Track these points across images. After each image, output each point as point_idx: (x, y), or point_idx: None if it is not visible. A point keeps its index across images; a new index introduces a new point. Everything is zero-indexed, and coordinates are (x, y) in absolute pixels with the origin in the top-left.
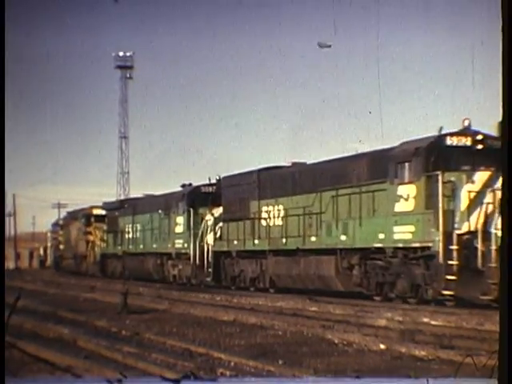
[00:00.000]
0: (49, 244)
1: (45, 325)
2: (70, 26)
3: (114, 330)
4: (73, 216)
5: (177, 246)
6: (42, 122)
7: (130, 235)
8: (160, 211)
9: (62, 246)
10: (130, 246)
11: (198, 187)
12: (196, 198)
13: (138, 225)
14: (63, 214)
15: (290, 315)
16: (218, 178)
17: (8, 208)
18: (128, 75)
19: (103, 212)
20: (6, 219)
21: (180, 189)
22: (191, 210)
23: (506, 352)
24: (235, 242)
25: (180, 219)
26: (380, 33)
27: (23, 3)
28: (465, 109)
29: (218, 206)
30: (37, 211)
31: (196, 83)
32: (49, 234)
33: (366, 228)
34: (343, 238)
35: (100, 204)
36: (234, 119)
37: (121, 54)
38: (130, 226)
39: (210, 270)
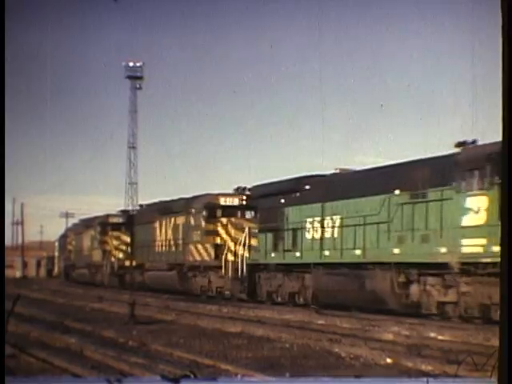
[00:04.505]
0: (55, 253)
1: None
2: (73, 29)
3: None
4: (161, 209)
5: (467, 249)
6: (50, 130)
7: (318, 235)
8: (399, 192)
9: (121, 255)
10: (326, 253)
11: None
12: None
13: (337, 217)
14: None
15: None
16: None
17: (16, 217)
18: (138, 85)
19: (235, 201)
20: (14, 228)
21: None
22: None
23: (505, 352)
24: None
25: (477, 201)
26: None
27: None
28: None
29: None
30: (44, 220)
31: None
32: (57, 243)
33: None
34: None
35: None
36: (244, 128)
37: (131, 64)
38: (317, 219)
39: None
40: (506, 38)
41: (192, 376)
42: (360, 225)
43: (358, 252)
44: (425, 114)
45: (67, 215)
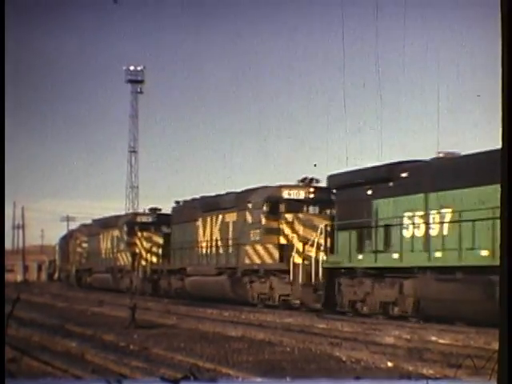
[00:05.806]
0: (56, 257)
1: None
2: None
3: None
4: (204, 205)
5: None
6: (51, 135)
7: (420, 232)
8: None
9: (154, 258)
10: (437, 254)
11: None
12: None
13: (447, 210)
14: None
15: None
16: None
17: (17, 220)
18: (139, 89)
19: (301, 194)
20: (15, 232)
21: None
22: None
23: (505, 353)
24: None
25: None
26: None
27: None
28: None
29: None
30: (45, 224)
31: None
32: (57, 246)
33: None
34: None
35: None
36: (244, 132)
37: (131, 68)
38: (419, 213)
39: None
40: (506, 38)
41: (192, 377)
42: (486, 219)
43: (484, 253)
44: None
45: (68, 219)
